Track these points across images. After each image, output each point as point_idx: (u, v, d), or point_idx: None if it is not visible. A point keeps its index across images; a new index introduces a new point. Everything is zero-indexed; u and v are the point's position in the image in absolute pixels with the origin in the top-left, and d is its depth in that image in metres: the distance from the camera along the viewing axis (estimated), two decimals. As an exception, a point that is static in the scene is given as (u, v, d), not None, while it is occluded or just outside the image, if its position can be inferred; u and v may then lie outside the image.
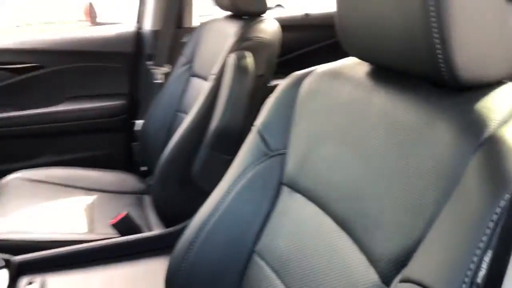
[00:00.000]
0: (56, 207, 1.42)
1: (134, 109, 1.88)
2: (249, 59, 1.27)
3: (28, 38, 1.82)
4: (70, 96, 1.82)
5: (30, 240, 1.21)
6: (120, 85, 1.87)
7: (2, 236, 1.20)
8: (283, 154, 0.74)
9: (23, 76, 1.75)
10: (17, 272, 1.08)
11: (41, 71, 1.76)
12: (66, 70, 1.79)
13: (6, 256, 1.10)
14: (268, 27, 1.40)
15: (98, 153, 1.87)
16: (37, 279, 1.06)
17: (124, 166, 1.77)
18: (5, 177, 1.53)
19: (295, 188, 0.72)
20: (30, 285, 1.04)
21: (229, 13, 1.51)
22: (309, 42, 2.01)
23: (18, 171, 1.56)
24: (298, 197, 0.71)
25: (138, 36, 1.88)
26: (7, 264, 1.08)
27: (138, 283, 1.06)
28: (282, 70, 1.09)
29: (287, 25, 1.54)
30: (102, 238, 1.24)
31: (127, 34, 1.88)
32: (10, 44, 1.76)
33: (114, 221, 1.27)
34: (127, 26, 1.93)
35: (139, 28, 1.89)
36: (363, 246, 0.57)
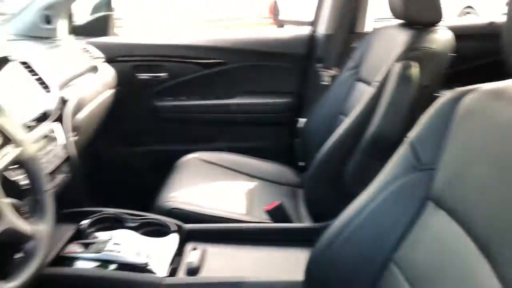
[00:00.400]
0: (222, 187, 1.61)
1: (299, 107, 2.00)
2: (415, 70, 1.25)
3: (215, 36, 2.07)
4: (244, 91, 2.03)
5: (198, 212, 1.39)
6: (288, 84, 2.01)
7: (177, 205, 1.41)
8: (433, 169, 0.74)
9: (210, 70, 2.00)
10: (185, 238, 1.27)
11: (224, 67, 1.99)
12: (244, 67, 1.99)
13: (179, 222, 1.30)
14: (440, 37, 1.35)
15: (263, 144, 2.04)
16: (200, 247, 1.22)
17: (284, 159, 1.89)
18: (185, 156, 1.79)
19: (441, 205, 0.72)
20: (194, 251, 1.21)
21: (402, 21, 1.50)
22: (489, 54, 1.87)
23: (195, 152, 1.81)
24: (442, 215, 0.70)
25: (311, 39, 1.98)
26: (179, 230, 1.27)
27: (281, 268, 1.15)
28: (460, 80, 1.05)
29: (466, 34, 1.46)
30: (256, 221, 1.38)
31: (301, 37, 2.00)
32: (201, 41, 2.02)
33: (269, 207, 1.39)
34: (302, 29, 2.05)
35: (313, 31, 1.99)
36: (503, 277, 0.56)
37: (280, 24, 7.98)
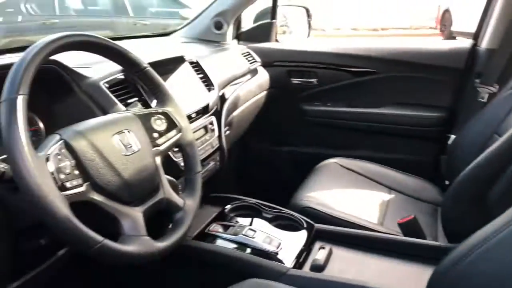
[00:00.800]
0: (358, 195, 1.63)
1: (450, 123, 1.91)
2: None
3: (367, 46, 2.09)
4: (393, 102, 2.01)
5: (330, 214, 1.44)
6: (441, 98, 1.93)
7: (311, 205, 1.48)
8: None
9: (359, 79, 2.03)
10: (314, 237, 1.33)
11: (374, 76, 2.00)
12: (395, 77, 1.97)
13: (310, 221, 1.37)
14: None
15: (407, 157, 1.99)
16: (327, 247, 1.27)
17: (427, 174, 1.83)
18: (325, 160, 1.85)
19: None
20: (321, 250, 1.26)
21: None
22: None
23: (336, 157, 1.86)
24: None
25: (472, 53, 1.87)
26: (309, 228, 1.34)
27: (404, 281, 1.14)
28: None
29: None
30: (387, 232, 1.38)
31: (461, 50, 1.90)
32: (353, 50, 2.05)
33: (402, 221, 1.38)
34: (462, 42, 1.94)
35: (475, 45, 1.88)
36: None
37: (450, 35, 7.50)
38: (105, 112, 1.04)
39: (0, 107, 0.72)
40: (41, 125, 1.05)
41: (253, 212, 1.40)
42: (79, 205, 0.76)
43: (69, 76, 1.04)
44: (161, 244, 0.86)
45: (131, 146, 0.88)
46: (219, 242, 1.24)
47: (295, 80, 2.10)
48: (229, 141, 1.57)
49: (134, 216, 0.83)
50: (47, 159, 0.75)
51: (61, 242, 0.97)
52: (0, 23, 6.58)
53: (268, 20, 2.14)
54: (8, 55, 1.13)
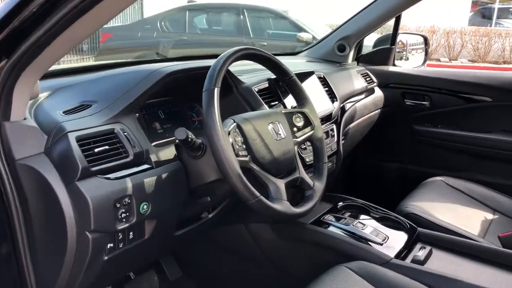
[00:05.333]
0: (461, 212, 1.72)
1: None
2: None
3: (483, 74, 2.17)
4: (504, 129, 2.08)
5: (432, 221, 1.58)
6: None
7: (415, 211, 1.63)
8: None
9: (472, 105, 2.13)
10: (415, 239, 1.48)
11: (488, 103, 2.09)
12: (510, 106, 2.05)
13: (413, 225, 1.52)
14: None
15: (512, 183, 2.04)
16: (427, 248, 1.41)
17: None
18: (432, 177, 1.97)
19: None
20: (422, 249, 1.41)
21: None
22: None
23: (442, 176, 1.97)
24: None
25: None
26: (412, 230, 1.49)
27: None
28: None
29: None
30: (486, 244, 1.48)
31: None
32: (468, 77, 2.15)
33: (503, 235, 1.47)
34: None
35: None
36: None
37: None
38: (253, 110, 1.33)
39: (203, 95, 1.03)
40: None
41: (362, 211, 1.60)
42: (243, 171, 1.03)
43: (231, 80, 1.36)
44: (297, 210, 1.11)
45: (280, 134, 1.16)
46: (332, 229, 1.45)
47: (408, 102, 2.25)
48: (343, 149, 1.79)
49: (278, 185, 1.09)
50: (228, 133, 1.04)
51: (222, 200, 1.26)
52: (138, 38, 7.50)
53: (388, 46, 2.33)
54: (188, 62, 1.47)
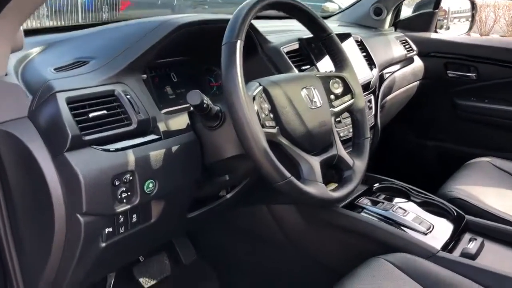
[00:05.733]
0: (510, 195, 1.54)
1: None
2: None
3: None
4: None
5: (481, 207, 1.39)
6: None
7: (461, 196, 1.43)
8: None
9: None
10: (463, 228, 1.29)
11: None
12: None
13: (460, 211, 1.33)
14: None
15: None
16: (478, 239, 1.23)
17: None
18: (476, 158, 1.77)
19: None
20: (472, 241, 1.22)
21: None
22: None
23: (488, 156, 1.76)
24: None
25: None
26: (459, 218, 1.30)
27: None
28: None
29: None
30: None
31: None
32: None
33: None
34: None
35: None
36: None
37: None
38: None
39: (222, 49, 0.83)
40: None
41: (400, 194, 1.40)
42: (269, 145, 0.84)
43: (256, 37, 1.15)
44: (334, 194, 0.92)
45: (315, 101, 0.95)
46: (367, 214, 1.27)
47: (451, 73, 2.03)
48: (379, 122, 1.59)
49: (312, 163, 0.90)
50: (253, 99, 0.85)
51: (242, 179, 1.08)
52: (158, 7, 7.29)
53: (430, 10, 2.09)
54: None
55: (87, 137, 0.77)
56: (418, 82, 1.99)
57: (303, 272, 1.38)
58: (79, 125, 0.77)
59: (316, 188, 0.87)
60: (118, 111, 0.84)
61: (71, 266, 0.81)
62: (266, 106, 0.87)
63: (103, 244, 0.83)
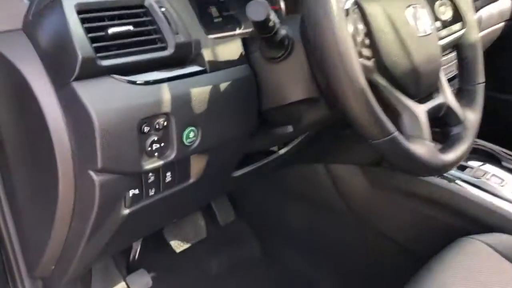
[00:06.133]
0: None
1: None
2: None
3: None
4: None
5: None
6: None
7: None
8: None
9: None
10: None
11: None
12: None
13: None
14: None
15: None
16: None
17: None
18: None
19: None
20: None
21: None
22: None
23: None
24: None
25: None
26: None
27: None
28: None
29: None
30: None
31: None
32: None
33: None
34: None
35: None
36: None
37: None
38: None
39: None
40: (282, 4, 0.92)
41: (490, 158, 1.14)
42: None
43: None
44: (445, 158, 0.66)
45: (423, 27, 0.68)
46: (453, 182, 1.02)
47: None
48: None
49: (418, 113, 0.63)
50: (347, 13, 0.58)
51: (308, 130, 0.84)
52: None
53: None
54: None
55: (105, 62, 0.54)
56: (503, 23, 1.66)
57: (364, 247, 1.15)
58: (93, 44, 0.53)
59: (424, 149, 0.61)
60: (149, 29, 0.60)
61: (81, 242, 0.60)
62: (361, 27, 0.61)
63: (126, 211, 0.62)
